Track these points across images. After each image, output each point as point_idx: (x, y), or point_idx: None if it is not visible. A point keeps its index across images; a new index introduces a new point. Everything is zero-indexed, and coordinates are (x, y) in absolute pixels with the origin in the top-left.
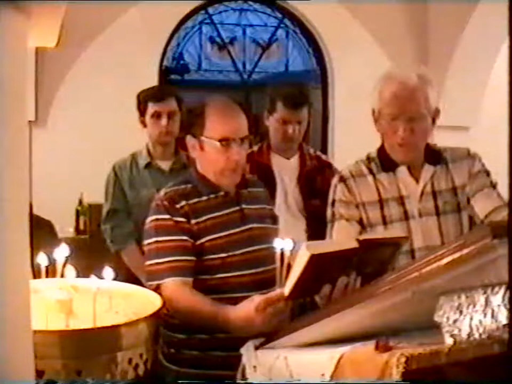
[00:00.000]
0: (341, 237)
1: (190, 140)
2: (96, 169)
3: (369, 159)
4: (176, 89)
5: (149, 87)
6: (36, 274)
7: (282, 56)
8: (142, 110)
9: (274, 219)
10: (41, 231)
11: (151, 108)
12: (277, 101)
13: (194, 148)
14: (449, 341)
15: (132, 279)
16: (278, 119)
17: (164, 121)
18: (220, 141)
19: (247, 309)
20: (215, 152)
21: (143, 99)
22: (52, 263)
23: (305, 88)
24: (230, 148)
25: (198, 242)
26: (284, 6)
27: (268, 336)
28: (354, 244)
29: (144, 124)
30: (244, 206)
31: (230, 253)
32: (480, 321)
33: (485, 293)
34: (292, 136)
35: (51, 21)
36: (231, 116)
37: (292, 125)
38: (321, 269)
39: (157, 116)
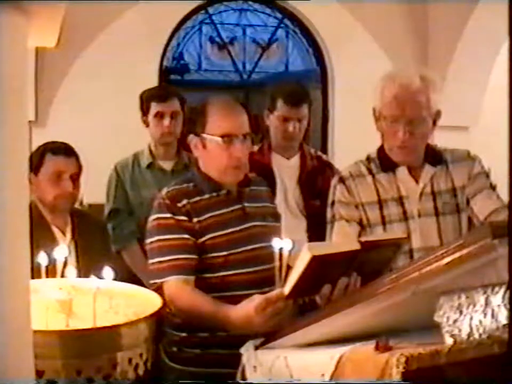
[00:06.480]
0: (341, 237)
1: (192, 139)
2: (96, 169)
3: (369, 159)
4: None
5: (152, 87)
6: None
7: (282, 56)
8: (144, 110)
9: (276, 217)
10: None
11: (154, 107)
12: (278, 99)
13: (196, 146)
14: (449, 341)
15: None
16: (279, 117)
17: (166, 121)
18: (222, 137)
19: (247, 308)
20: (217, 149)
21: (146, 99)
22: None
23: (305, 86)
24: (232, 144)
25: (200, 240)
26: (284, 6)
27: (268, 336)
28: (356, 246)
29: (146, 124)
30: (245, 204)
31: (232, 251)
32: (480, 321)
33: (485, 293)
34: (293, 134)
35: (51, 21)
36: (232, 113)
37: (293, 122)
38: (322, 270)
39: (159, 116)
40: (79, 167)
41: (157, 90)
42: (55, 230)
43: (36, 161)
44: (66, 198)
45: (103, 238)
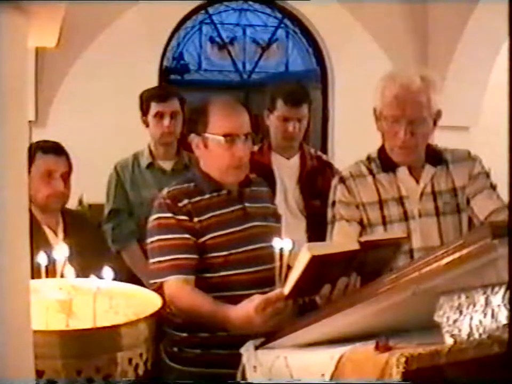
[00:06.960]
0: (341, 237)
1: (193, 138)
2: (96, 169)
3: (369, 159)
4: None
5: (152, 87)
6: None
7: (282, 56)
8: (144, 110)
9: (277, 217)
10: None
11: (154, 107)
12: (277, 99)
13: (198, 146)
14: (449, 341)
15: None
16: (279, 117)
17: (166, 121)
18: (224, 136)
19: (247, 308)
20: (219, 149)
21: (146, 99)
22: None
23: (305, 86)
24: (234, 144)
25: (201, 240)
26: (284, 6)
27: (268, 336)
28: (356, 246)
29: (146, 124)
30: (246, 204)
31: (233, 251)
32: (480, 321)
33: (485, 293)
34: (293, 134)
35: (51, 21)
36: (234, 113)
37: (293, 122)
38: (322, 270)
39: (159, 116)
40: (70, 166)
41: (157, 90)
42: (47, 230)
43: None
44: (57, 197)
45: (95, 238)
